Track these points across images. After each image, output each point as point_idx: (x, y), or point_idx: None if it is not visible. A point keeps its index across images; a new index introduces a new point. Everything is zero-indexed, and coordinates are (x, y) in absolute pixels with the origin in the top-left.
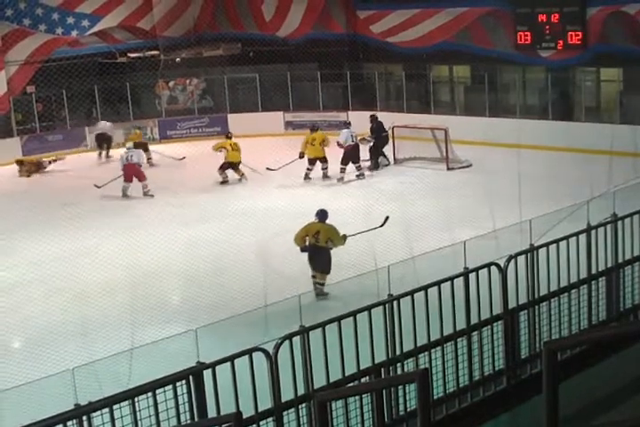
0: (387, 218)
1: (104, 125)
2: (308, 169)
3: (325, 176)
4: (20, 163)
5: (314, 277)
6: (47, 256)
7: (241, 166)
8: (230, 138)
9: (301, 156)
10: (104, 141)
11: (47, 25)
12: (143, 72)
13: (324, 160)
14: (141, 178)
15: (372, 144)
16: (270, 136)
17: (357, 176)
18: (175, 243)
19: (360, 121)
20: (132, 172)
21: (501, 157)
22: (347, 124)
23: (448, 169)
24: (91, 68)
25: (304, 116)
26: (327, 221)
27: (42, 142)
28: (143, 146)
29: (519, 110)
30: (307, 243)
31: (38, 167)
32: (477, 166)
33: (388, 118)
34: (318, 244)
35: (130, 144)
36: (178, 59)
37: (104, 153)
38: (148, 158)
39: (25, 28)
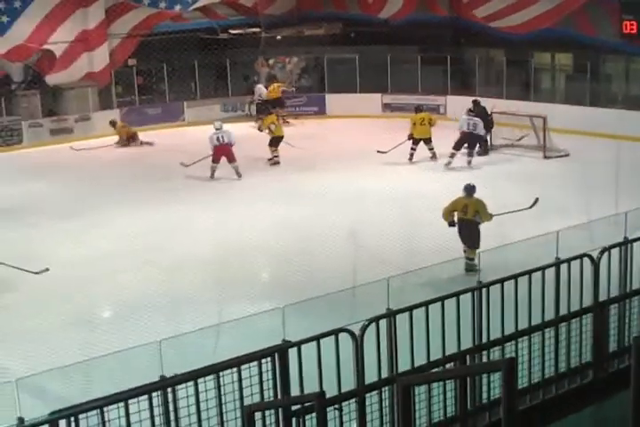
0: (536, 200)
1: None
2: (412, 149)
3: (434, 157)
4: (113, 124)
5: (465, 251)
6: (140, 229)
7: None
8: (273, 113)
9: (410, 137)
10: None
11: None
12: (244, 49)
13: (429, 141)
14: (231, 159)
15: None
16: (368, 118)
17: (468, 163)
18: (267, 221)
19: (458, 105)
20: (222, 153)
21: (600, 147)
22: (469, 111)
23: (545, 157)
24: (192, 43)
25: (402, 99)
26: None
27: (140, 115)
28: (279, 101)
29: (621, 101)
30: (455, 218)
31: (132, 139)
32: (575, 156)
33: (487, 104)
34: (466, 217)
35: (218, 124)
36: (279, 37)
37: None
38: (283, 116)
39: (129, 2)
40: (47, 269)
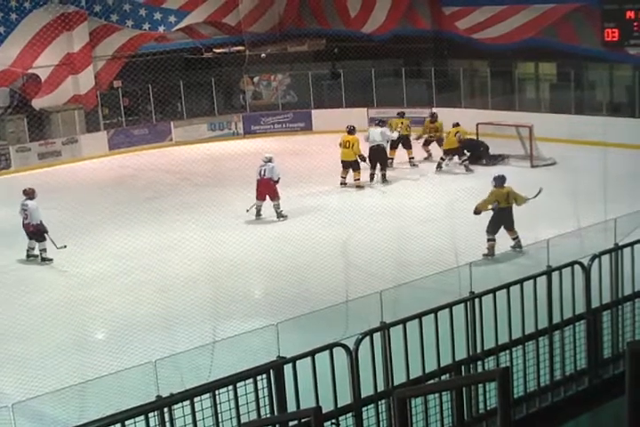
0: (540, 190)
1: None
2: (441, 159)
3: (468, 169)
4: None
5: (491, 240)
6: (131, 249)
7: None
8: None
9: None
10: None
11: (134, 21)
12: (228, 67)
13: (458, 152)
14: (273, 196)
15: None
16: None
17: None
18: (256, 238)
19: (444, 117)
20: (264, 188)
21: (587, 155)
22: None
23: (532, 166)
24: (177, 63)
25: (388, 113)
26: None
27: (128, 136)
28: (407, 141)
29: (605, 108)
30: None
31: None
32: (562, 164)
33: (472, 115)
34: (510, 204)
35: (266, 156)
36: (263, 54)
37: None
38: (411, 158)
39: (113, 24)
40: (65, 246)
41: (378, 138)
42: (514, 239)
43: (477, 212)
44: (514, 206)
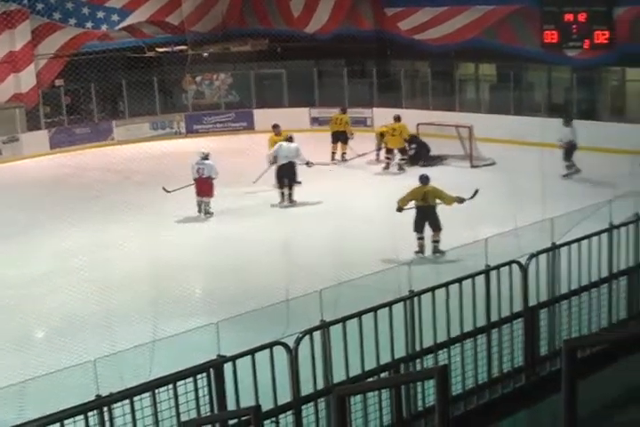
0: (476, 191)
1: None
2: (387, 158)
3: (401, 168)
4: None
5: (420, 239)
6: (72, 248)
7: None
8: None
9: (380, 148)
10: None
11: (77, 19)
12: (171, 67)
13: (403, 151)
14: (208, 194)
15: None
16: (296, 132)
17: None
18: (199, 238)
19: (385, 117)
20: (202, 186)
21: (526, 155)
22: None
23: (472, 167)
24: (119, 62)
25: (330, 113)
26: None
27: (69, 135)
28: (343, 136)
29: (544, 109)
30: (407, 206)
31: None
32: (501, 164)
33: (413, 116)
34: (428, 204)
35: (203, 153)
36: (205, 54)
37: None
38: (343, 153)
39: (55, 22)
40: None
41: (292, 154)
42: (433, 242)
43: (399, 209)
44: (450, 206)
